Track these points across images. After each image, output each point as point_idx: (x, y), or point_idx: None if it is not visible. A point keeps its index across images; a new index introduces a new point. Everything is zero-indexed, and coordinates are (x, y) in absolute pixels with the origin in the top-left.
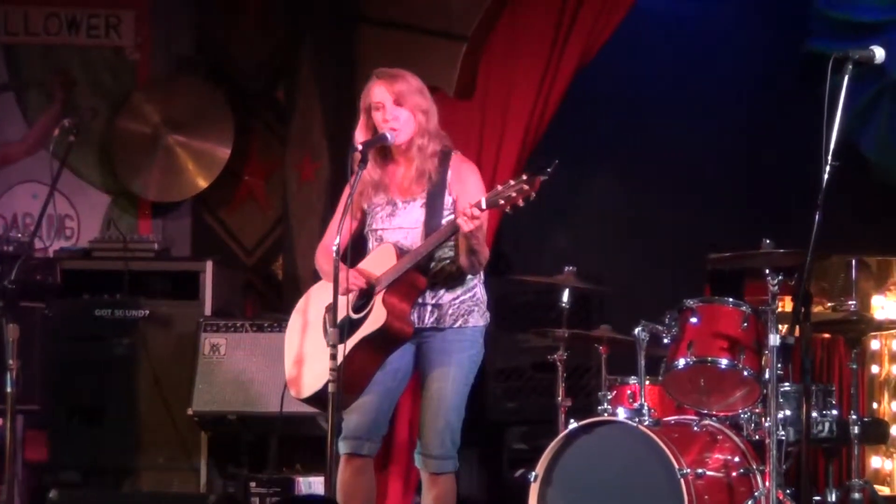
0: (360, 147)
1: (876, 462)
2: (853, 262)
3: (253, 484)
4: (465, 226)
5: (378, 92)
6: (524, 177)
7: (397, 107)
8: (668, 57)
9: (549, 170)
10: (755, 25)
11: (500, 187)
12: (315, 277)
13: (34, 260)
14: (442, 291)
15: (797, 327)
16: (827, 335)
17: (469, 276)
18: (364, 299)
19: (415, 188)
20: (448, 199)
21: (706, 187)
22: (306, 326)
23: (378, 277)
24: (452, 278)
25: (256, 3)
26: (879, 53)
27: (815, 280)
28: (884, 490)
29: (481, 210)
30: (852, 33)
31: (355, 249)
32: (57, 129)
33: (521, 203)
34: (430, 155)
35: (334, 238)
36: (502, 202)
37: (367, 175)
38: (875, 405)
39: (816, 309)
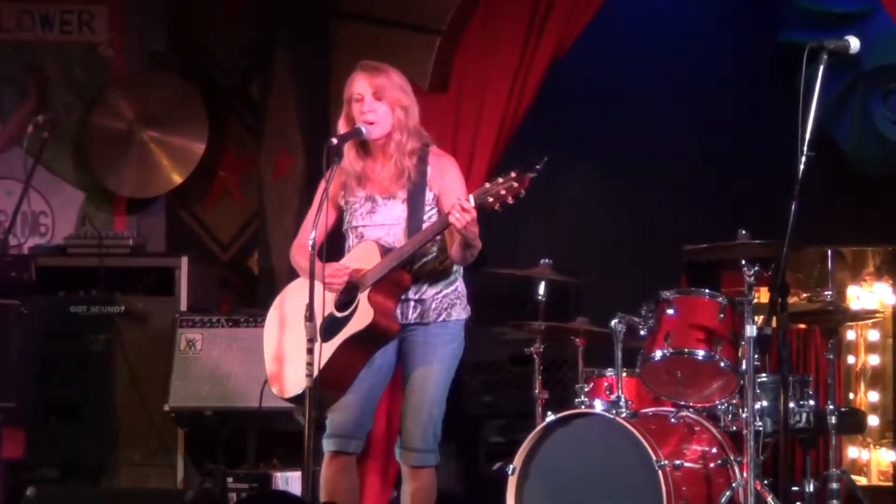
0: (334, 141)
1: (853, 452)
2: (829, 252)
3: (230, 479)
4: (458, 222)
5: (359, 84)
6: (513, 174)
7: (376, 100)
8: (643, 48)
9: (538, 167)
10: (730, 16)
11: (488, 185)
12: (291, 272)
13: (9, 257)
14: (425, 287)
15: (774, 318)
16: (803, 326)
17: (452, 271)
18: (348, 297)
19: (394, 186)
20: (429, 195)
21: (682, 178)
22: (286, 324)
23: (363, 275)
24: (436, 274)
25: None
26: (854, 43)
27: (791, 271)
28: (861, 480)
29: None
30: (827, 24)
31: (331, 246)
32: (31, 126)
33: (510, 200)
34: (408, 152)
35: (310, 234)
36: (491, 199)
37: (350, 166)
38: (851, 395)
39: (792, 300)
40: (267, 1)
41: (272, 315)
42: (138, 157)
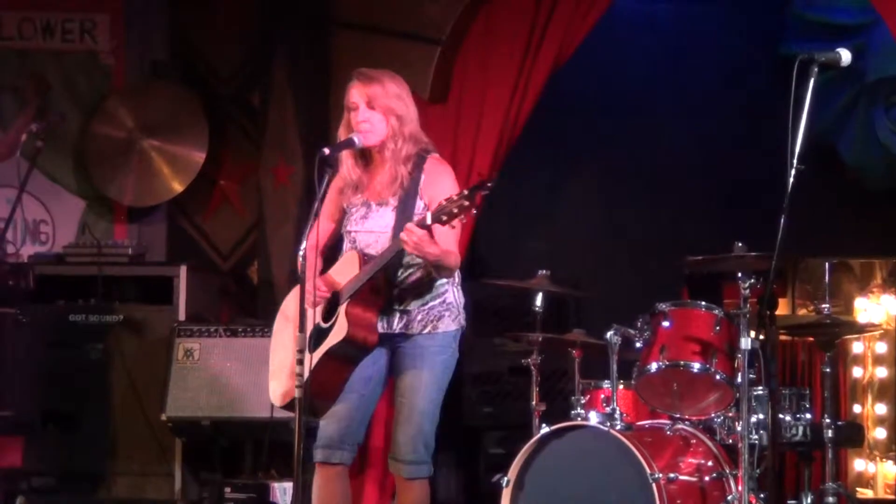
0: (326, 151)
1: (859, 465)
2: (827, 265)
3: (228, 489)
4: (406, 246)
5: (354, 93)
6: (465, 192)
7: (370, 110)
8: (643, 59)
9: (489, 184)
10: (731, 27)
11: (443, 202)
12: (290, 280)
13: (6, 265)
14: (409, 299)
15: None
16: (811, 338)
17: (439, 283)
18: (332, 308)
19: (386, 192)
20: (419, 204)
21: (683, 190)
22: (286, 332)
23: (342, 287)
24: (420, 285)
25: (231, 7)
26: (845, 56)
27: (800, 283)
28: (866, 493)
29: (426, 226)
30: (828, 35)
31: (335, 249)
32: (25, 135)
33: (464, 219)
34: (403, 159)
35: (314, 240)
36: (445, 218)
37: (348, 174)
38: (858, 408)
39: (800, 312)
40: (267, 10)
41: (278, 320)
42: (139, 165)
